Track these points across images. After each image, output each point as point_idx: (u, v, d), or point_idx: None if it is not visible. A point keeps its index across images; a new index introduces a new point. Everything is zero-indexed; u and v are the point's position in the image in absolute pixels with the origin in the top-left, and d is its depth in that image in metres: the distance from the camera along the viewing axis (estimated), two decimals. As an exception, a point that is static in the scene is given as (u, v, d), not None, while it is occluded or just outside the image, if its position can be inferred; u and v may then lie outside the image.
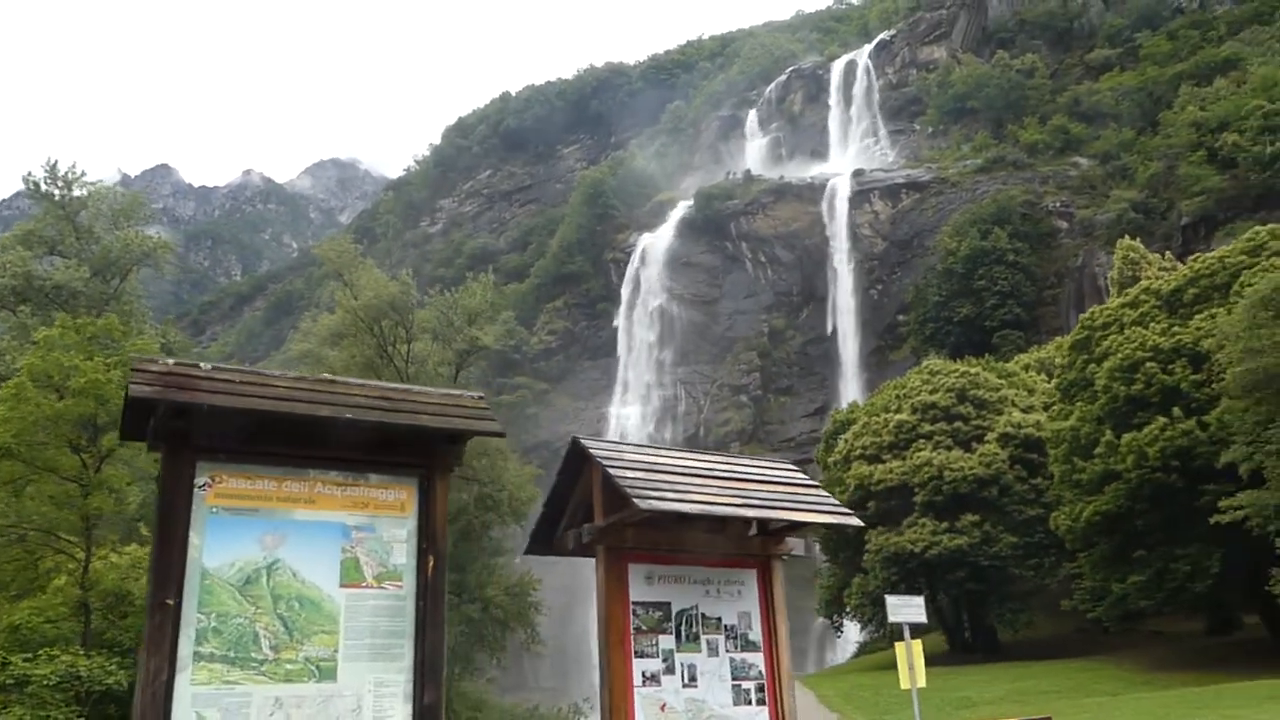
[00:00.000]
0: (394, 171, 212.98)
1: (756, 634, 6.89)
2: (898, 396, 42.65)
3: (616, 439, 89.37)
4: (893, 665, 38.07)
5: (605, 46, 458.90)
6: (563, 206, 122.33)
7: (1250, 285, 25.30)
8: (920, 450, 39.00)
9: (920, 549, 36.96)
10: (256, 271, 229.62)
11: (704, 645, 6.61)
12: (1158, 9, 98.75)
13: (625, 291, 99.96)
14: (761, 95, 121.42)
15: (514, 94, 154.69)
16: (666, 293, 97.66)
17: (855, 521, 7.03)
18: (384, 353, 34.04)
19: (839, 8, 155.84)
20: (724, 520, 6.62)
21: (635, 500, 5.87)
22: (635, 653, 6.32)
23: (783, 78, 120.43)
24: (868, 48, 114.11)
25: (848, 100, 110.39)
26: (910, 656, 17.89)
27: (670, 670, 6.39)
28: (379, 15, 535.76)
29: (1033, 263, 78.76)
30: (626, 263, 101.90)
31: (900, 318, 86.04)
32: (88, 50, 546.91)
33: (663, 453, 7.05)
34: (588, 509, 6.84)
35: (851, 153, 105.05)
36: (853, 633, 59.85)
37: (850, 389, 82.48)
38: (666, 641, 6.47)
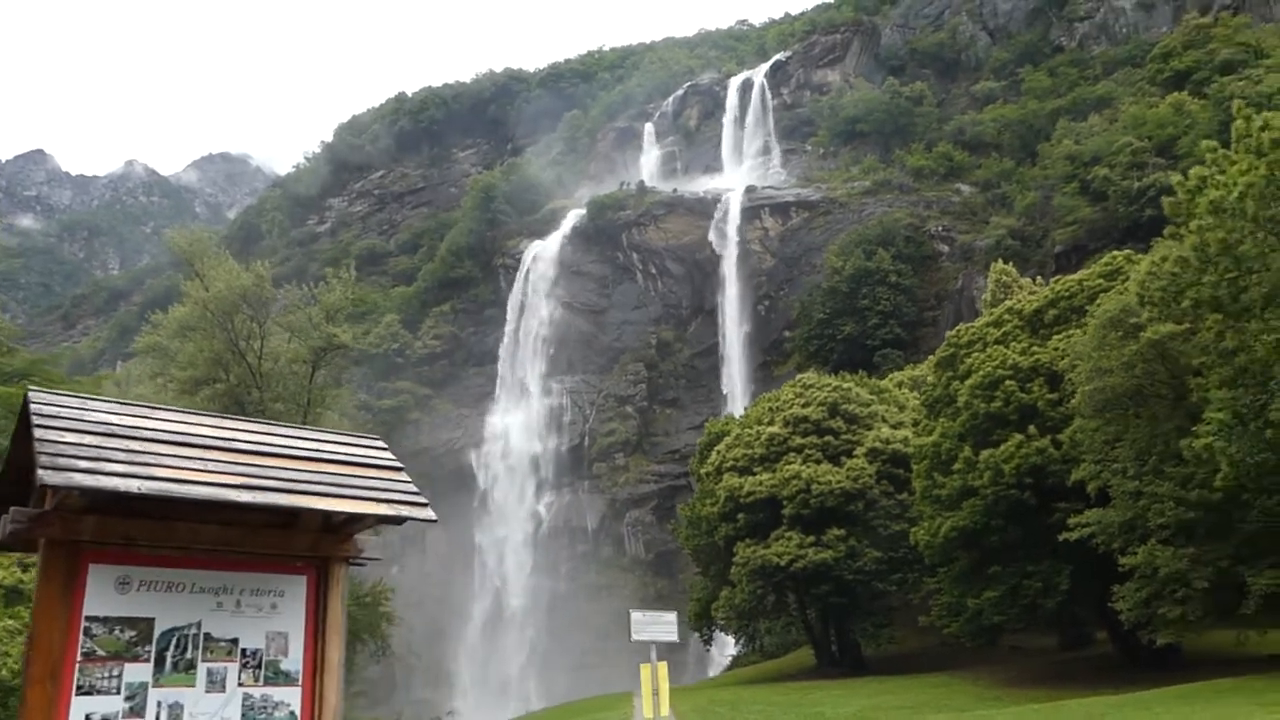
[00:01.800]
0: (286, 169, 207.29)
1: (294, 662, 5.32)
2: (770, 409, 42.60)
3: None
4: (760, 680, 37.60)
5: (505, 52, 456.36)
6: (456, 211, 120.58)
7: (1103, 307, 25.78)
8: (790, 463, 38.94)
9: (786, 562, 36.80)
10: (136, 266, 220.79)
11: (201, 677, 4.99)
12: (1040, 46, 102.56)
13: (513, 298, 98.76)
14: (659, 109, 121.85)
15: (410, 94, 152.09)
16: (555, 301, 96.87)
17: (426, 515, 5.70)
18: (235, 347, 32.33)
19: (740, 28, 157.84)
20: (248, 508, 5.03)
21: (42, 471, 4.41)
22: (80, 688, 4.68)
23: (680, 92, 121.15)
24: (764, 67, 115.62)
25: (743, 118, 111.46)
26: (655, 682, 16.21)
27: (138, 712, 4.82)
28: (279, 7, 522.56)
29: (914, 284, 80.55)
30: (516, 269, 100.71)
31: (786, 333, 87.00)
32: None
33: (158, 415, 5.49)
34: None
35: (745, 169, 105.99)
36: (729, 645, 59.91)
37: (737, 402, 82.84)
38: (139, 672, 4.84)
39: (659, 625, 16.77)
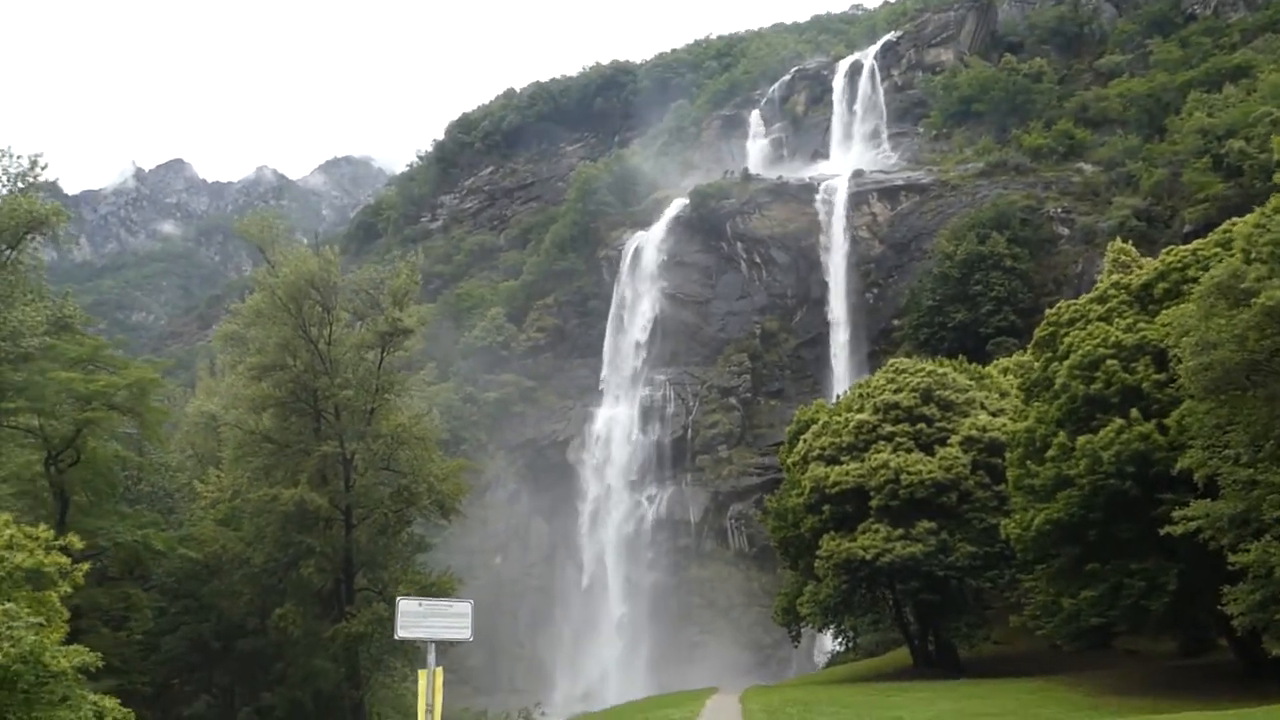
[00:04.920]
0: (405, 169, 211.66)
1: None
2: (861, 396, 40.54)
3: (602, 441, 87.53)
4: (851, 679, 35.59)
5: (613, 45, 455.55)
6: (564, 204, 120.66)
7: (1210, 272, 23.10)
8: (879, 452, 36.83)
9: (872, 556, 34.74)
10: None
11: None
12: (1170, 15, 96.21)
13: (616, 290, 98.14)
14: (765, 95, 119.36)
15: (519, 90, 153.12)
16: (659, 292, 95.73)
17: None
18: (304, 333, 32.20)
19: (853, 12, 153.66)
20: None
21: None
22: None
23: (787, 78, 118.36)
24: (873, 49, 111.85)
25: (851, 101, 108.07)
26: (430, 695, 12.77)
27: None
28: (395, 11, 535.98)
29: (1031, 269, 76.52)
30: (619, 260, 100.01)
31: (895, 322, 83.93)
32: (103, 45, 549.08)
33: None
34: None
35: (853, 154, 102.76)
36: (827, 641, 57.84)
37: (842, 393, 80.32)
38: None
39: (441, 619, 13.56)
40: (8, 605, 15.10)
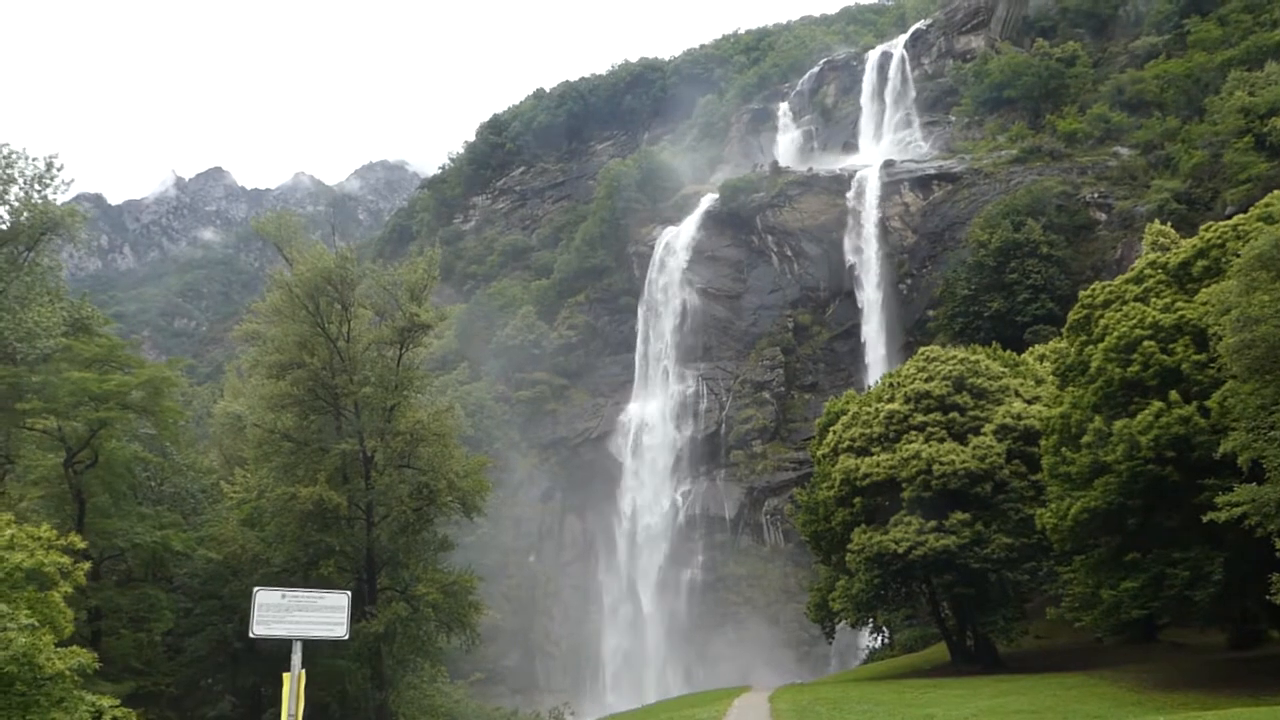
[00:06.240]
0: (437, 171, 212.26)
1: None
2: (891, 385, 39.55)
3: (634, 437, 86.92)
4: (887, 676, 34.60)
5: (641, 42, 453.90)
6: (594, 203, 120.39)
7: (1250, 243, 21.98)
8: (910, 442, 35.86)
9: (904, 549, 33.80)
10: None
11: None
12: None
13: (647, 286, 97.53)
14: (794, 88, 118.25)
15: (548, 90, 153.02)
16: (689, 287, 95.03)
17: None
18: (322, 330, 31.87)
19: (882, 2, 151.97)
20: None
21: None
22: None
23: (815, 70, 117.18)
24: (903, 38, 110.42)
25: (881, 92, 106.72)
26: (293, 702, 11.05)
27: None
28: (426, 16, 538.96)
29: (1068, 255, 74.91)
30: (650, 256, 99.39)
31: (930, 313, 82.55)
32: (144, 58, 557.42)
33: None
34: None
35: (884, 145, 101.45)
36: (865, 638, 56.93)
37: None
38: None
39: (308, 613, 11.21)
40: (1, 606, 14.76)
